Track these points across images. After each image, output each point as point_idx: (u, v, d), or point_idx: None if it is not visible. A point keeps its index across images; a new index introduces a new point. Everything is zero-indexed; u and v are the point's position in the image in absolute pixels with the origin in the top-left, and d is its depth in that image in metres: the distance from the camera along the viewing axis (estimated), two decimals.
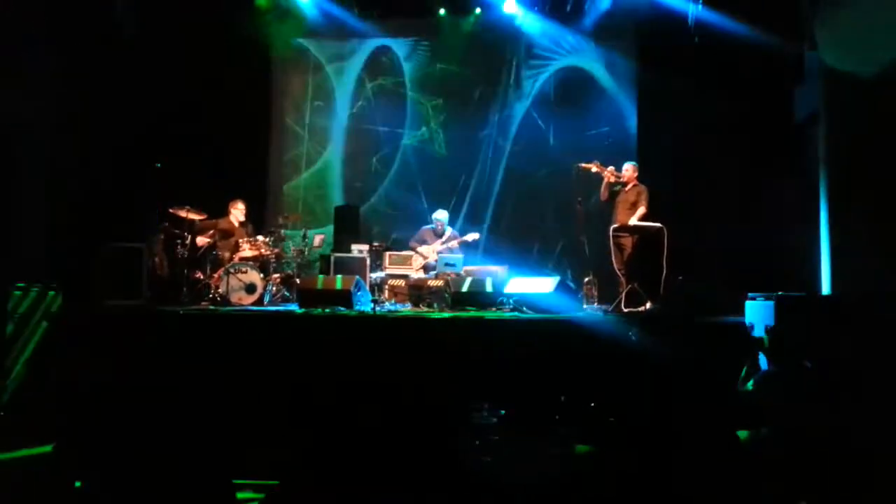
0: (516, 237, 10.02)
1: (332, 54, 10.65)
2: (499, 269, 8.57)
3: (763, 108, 8.64)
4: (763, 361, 4.80)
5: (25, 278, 6.26)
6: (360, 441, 4.78)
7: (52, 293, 6.26)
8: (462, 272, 8.16)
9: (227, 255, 8.22)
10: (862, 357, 5.04)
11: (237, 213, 8.63)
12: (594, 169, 7.95)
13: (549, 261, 9.85)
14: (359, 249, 8.87)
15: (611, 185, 7.89)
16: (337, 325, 6.47)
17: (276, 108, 10.64)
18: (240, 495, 4.00)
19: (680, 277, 6.91)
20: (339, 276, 7.64)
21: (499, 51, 10.26)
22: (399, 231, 9.78)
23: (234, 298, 7.67)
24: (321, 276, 8.15)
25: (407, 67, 10.56)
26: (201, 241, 8.11)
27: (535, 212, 10.16)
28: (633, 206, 7.68)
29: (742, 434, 4.32)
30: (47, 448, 3.74)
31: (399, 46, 10.53)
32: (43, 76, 8.81)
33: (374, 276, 8.61)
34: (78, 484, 3.58)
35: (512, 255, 9.56)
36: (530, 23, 9.99)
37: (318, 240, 9.30)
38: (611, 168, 7.88)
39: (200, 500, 3.31)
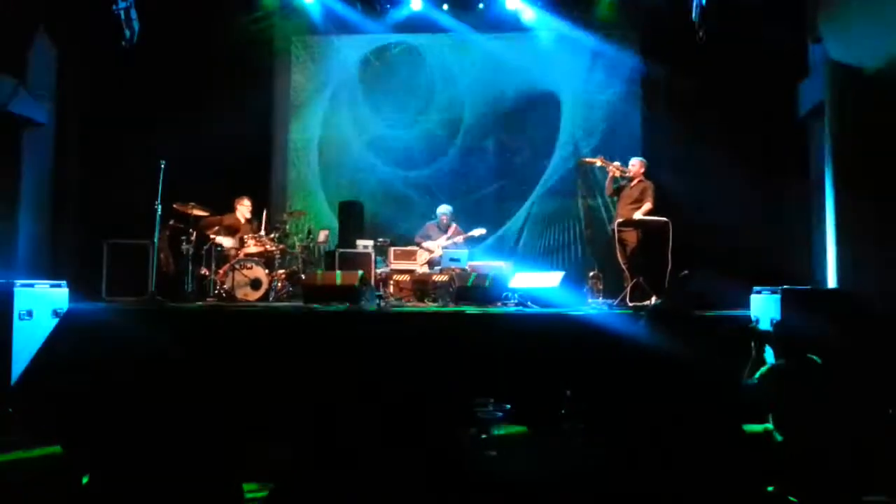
0: (520, 230, 10.09)
1: (336, 50, 10.64)
2: (503, 265, 8.57)
3: (768, 102, 8.61)
4: (769, 355, 4.79)
5: (32, 275, 6.29)
6: (365, 435, 4.79)
7: (58, 290, 6.28)
8: (467, 267, 8.16)
9: (232, 251, 8.24)
10: (868, 351, 5.03)
11: (243, 209, 8.65)
12: (599, 163, 7.94)
13: (555, 256, 9.91)
14: (364, 245, 8.88)
15: (616, 179, 7.88)
16: (341, 321, 6.48)
17: (280, 104, 10.65)
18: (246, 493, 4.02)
19: (686, 271, 6.90)
20: (338, 272, 7.66)
21: (504, 46, 10.25)
22: (403, 227, 9.82)
23: (239, 294, 7.70)
24: (320, 272, 8.16)
25: (410, 64, 10.56)
26: (220, 240, 8.11)
27: (541, 206, 10.20)
28: (637, 202, 7.66)
29: (747, 428, 4.33)
30: (55, 448, 3.76)
31: (403, 42, 10.52)
32: (46, 73, 8.85)
33: (378, 271, 8.62)
34: (85, 480, 3.60)
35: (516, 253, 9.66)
36: (533, 18, 9.98)
37: (322, 235, 9.32)
38: (616, 163, 7.87)
39: (208, 496, 3.33)
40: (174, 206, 7.89)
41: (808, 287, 6.41)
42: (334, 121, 10.64)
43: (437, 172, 10.43)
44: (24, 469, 3.66)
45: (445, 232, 9.07)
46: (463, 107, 10.45)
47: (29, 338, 5.93)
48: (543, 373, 5.52)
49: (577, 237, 9.87)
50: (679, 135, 8.98)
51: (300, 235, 9.00)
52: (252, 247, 8.17)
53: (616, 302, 7.20)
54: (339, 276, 7.41)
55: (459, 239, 8.98)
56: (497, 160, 10.36)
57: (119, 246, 7.96)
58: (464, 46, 10.38)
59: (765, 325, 5.55)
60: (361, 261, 8.51)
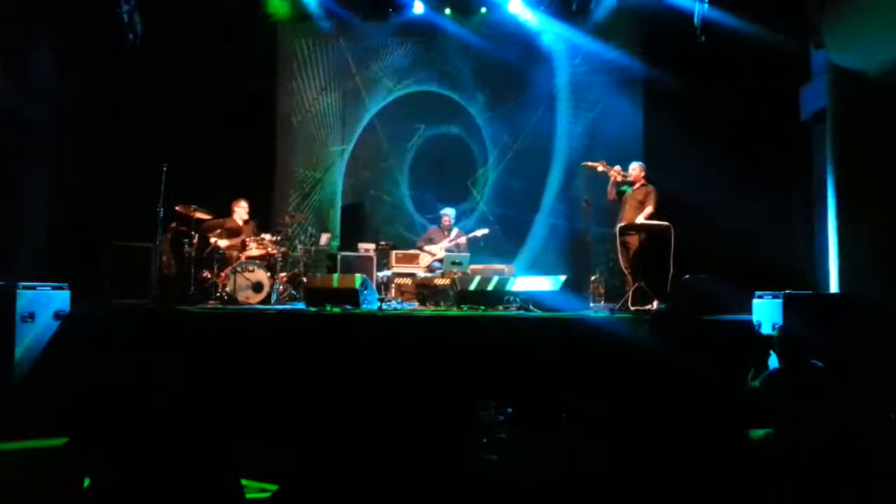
0: (522, 235, 10.12)
1: (338, 54, 10.66)
2: (505, 268, 8.57)
3: (769, 107, 8.62)
4: (772, 360, 4.80)
5: (34, 277, 6.29)
6: (366, 438, 4.80)
7: (61, 292, 6.28)
8: (468, 271, 8.16)
9: (234, 253, 8.24)
10: (869, 356, 5.03)
11: (240, 211, 8.62)
12: (600, 168, 7.93)
13: (556, 260, 9.93)
14: (365, 248, 8.89)
15: (617, 184, 7.87)
16: (343, 324, 6.48)
17: (283, 107, 10.66)
18: (248, 494, 4.02)
19: (686, 276, 6.89)
20: (335, 275, 7.66)
21: (506, 51, 10.28)
22: (403, 230, 9.88)
23: (241, 297, 7.69)
24: (319, 275, 8.17)
25: (410, 66, 10.60)
26: (222, 243, 8.13)
27: (544, 210, 10.23)
28: (641, 206, 7.66)
29: (750, 432, 4.33)
30: (58, 441, 3.76)
31: (404, 46, 10.55)
32: (49, 75, 8.86)
33: (380, 274, 8.62)
34: (87, 483, 3.60)
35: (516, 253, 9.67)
36: (535, 22, 9.99)
37: (324, 238, 9.32)
38: (617, 167, 7.86)
39: (209, 497, 3.33)
40: (176, 208, 7.89)
41: (811, 292, 6.41)
42: (336, 121, 10.66)
43: (438, 173, 10.50)
44: (28, 461, 3.65)
45: (448, 234, 9.09)
46: (466, 109, 10.51)
47: (31, 340, 5.93)
48: (545, 377, 5.52)
49: (579, 241, 9.86)
50: (681, 139, 8.97)
51: (302, 238, 9.01)
52: (254, 250, 8.17)
53: (618, 306, 7.19)
54: (335, 280, 7.41)
55: (462, 241, 8.99)
56: (498, 162, 10.39)
57: (121, 248, 7.97)
58: (466, 50, 10.38)
59: (767, 330, 5.55)
60: (363, 264, 8.51)
